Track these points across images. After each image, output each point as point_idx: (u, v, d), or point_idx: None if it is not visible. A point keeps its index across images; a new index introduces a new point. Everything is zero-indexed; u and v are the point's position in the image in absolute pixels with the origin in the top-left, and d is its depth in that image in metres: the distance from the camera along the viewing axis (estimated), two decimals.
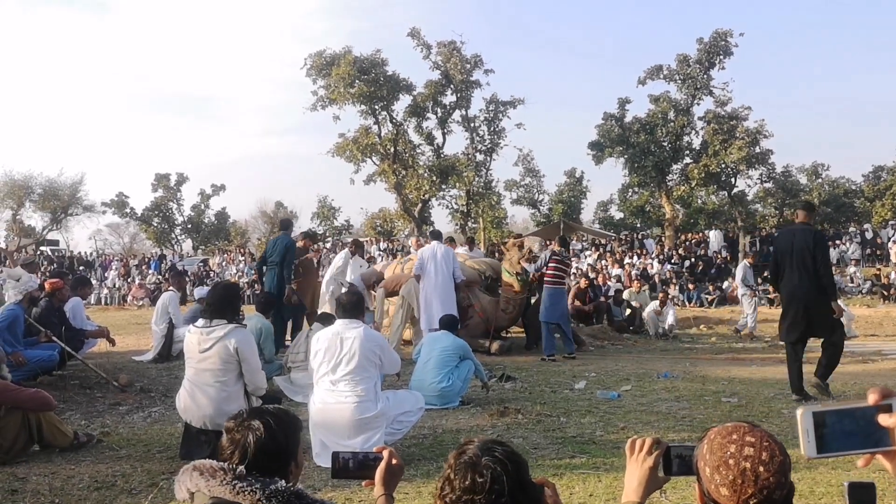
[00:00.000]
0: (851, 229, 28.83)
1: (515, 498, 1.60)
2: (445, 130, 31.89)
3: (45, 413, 5.00)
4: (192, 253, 41.48)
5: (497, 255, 12.46)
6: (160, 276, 28.81)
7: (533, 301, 11.43)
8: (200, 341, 4.76)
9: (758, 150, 29.07)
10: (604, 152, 31.15)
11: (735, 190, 31.76)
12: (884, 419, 1.16)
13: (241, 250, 35.50)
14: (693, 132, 30.67)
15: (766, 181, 33.09)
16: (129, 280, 30.71)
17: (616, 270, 23.26)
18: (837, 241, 26.44)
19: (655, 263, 25.10)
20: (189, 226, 44.78)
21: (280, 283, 9.53)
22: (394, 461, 2.03)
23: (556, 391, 7.44)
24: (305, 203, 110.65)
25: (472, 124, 31.75)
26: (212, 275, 29.65)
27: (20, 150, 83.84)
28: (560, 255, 10.30)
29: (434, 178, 30.72)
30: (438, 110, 31.33)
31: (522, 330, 11.79)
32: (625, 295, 16.02)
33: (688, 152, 30.84)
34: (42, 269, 28.19)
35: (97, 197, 43.80)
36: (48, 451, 5.03)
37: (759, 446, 1.48)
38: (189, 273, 28.36)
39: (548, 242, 11.12)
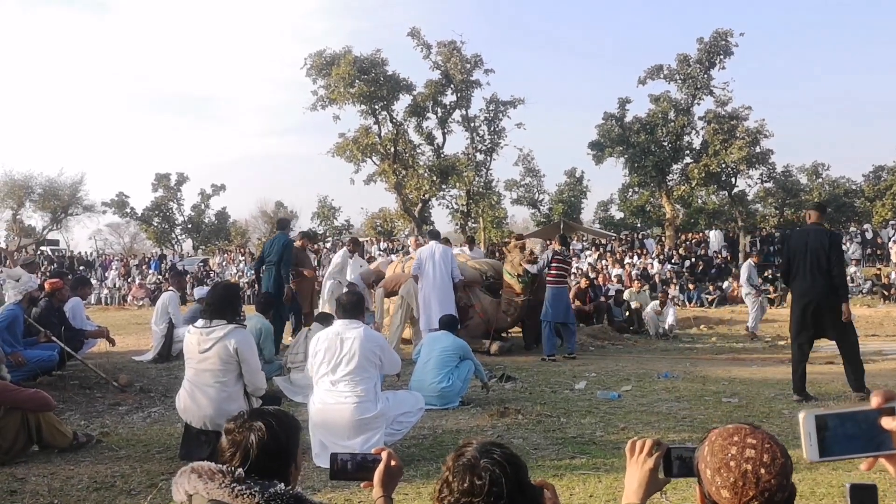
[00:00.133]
0: (852, 229, 28.81)
1: (514, 500, 1.59)
2: (445, 130, 31.89)
3: (44, 413, 4.99)
4: (192, 253, 41.48)
5: (497, 255, 12.42)
6: (160, 276, 28.81)
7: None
8: (200, 341, 4.75)
9: (758, 149, 29.06)
10: (604, 152, 31.14)
11: (735, 190, 31.75)
12: (887, 422, 1.15)
13: (242, 250, 35.48)
14: (693, 132, 30.66)
15: (766, 181, 33.08)
16: (129, 280, 30.70)
17: (617, 270, 23.25)
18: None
19: (656, 263, 25.09)
20: (189, 226, 44.77)
21: (278, 282, 9.53)
22: (392, 463, 2.02)
23: (557, 391, 7.43)
24: (306, 203, 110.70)
25: (472, 124, 31.75)
26: (212, 275, 29.64)
27: (20, 149, 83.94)
28: (561, 254, 10.34)
29: (434, 177, 30.71)
30: (438, 110, 31.32)
31: (520, 330, 11.77)
32: (625, 295, 16.01)
33: (688, 152, 30.83)
34: (42, 269, 28.18)
35: (97, 197, 43.95)
36: (47, 452, 5.02)
37: (761, 448, 1.47)
38: (189, 273, 28.38)
39: (548, 243, 11.08)
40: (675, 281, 22.39)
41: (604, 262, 25.48)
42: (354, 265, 11.84)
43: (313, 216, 44.46)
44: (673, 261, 25.61)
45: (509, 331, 11.64)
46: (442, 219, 44.91)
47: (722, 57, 29.21)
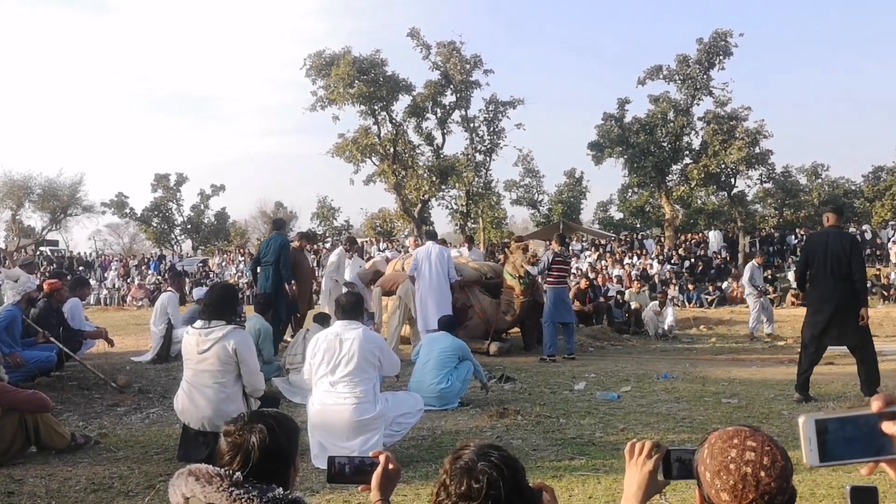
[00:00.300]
0: (851, 230, 28.78)
1: (512, 503, 1.58)
2: (445, 131, 31.85)
3: (42, 414, 4.98)
4: (191, 253, 41.45)
5: (496, 255, 12.39)
6: (159, 277, 28.79)
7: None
8: (199, 342, 4.74)
9: (757, 150, 29.03)
10: (603, 152, 31.11)
11: (735, 190, 31.72)
12: (888, 427, 1.14)
13: (241, 250, 35.46)
14: (693, 132, 30.64)
15: (765, 181, 33.05)
16: (128, 280, 30.68)
17: (617, 271, 23.25)
18: None
19: (655, 264, 25.08)
20: (189, 226, 44.74)
21: (276, 282, 9.50)
22: (390, 466, 2.01)
23: (556, 392, 7.42)
24: (305, 203, 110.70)
25: (471, 124, 31.72)
26: (211, 275, 29.62)
27: (19, 150, 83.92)
28: (561, 254, 10.38)
29: (434, 178, 30.68)
30: (438, 110, 31.28)
31: (519, 331, 11.75)
32: (625, 296, 16.00)
33: (687, 152, 30.81)
34: (41, 269, 28.16)
35: (96, 197, 43.89)
36: (45, 453, 5.01)
37: (761, 451, 1.46)
38: (188, 274, 28.36)
39: (549, 243, 11.09)
40: (674, 281, 22.38)
41: (603, 262, 25.48)
42: (354, 265, 11.84)
43: (313, 216, 44.47)
44: (672, 261, 25.60)
45: (509, 331, 11.63)
46: (441, 219, 44.97)
47: (721, 57, 29.19)
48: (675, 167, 31.11)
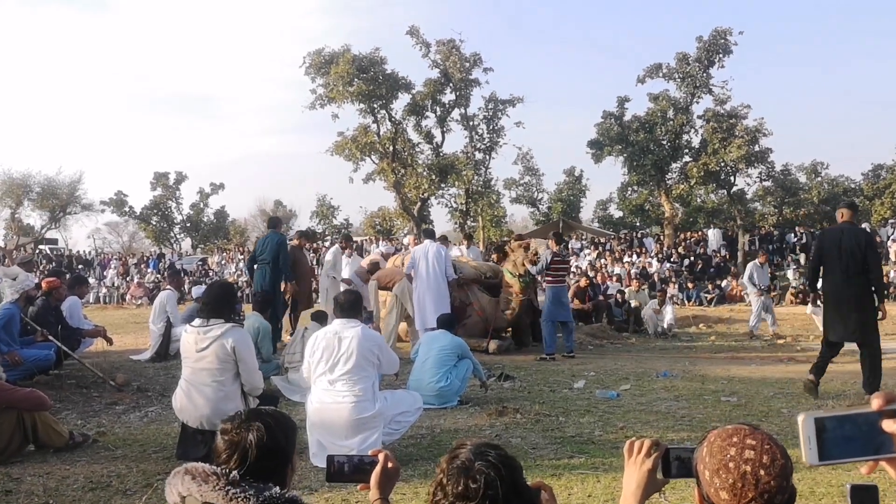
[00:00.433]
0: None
1: (510, 503, 1.57)
2: (444, 129, 31.83)
3: (39, 413, 4.97)
4: (190, 252, 41.40)
5: (489, 254, 12.36)
6: (159, 275, 28.77)
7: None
8: (197, 340, 4.73)
9: (757, 148, 29.01)
10: (603, 151, 31.10)
11: (734, 188, 31.72)
12: (888, 425, 1.12)
13: (241, 249, 35.42)
14: (692, 131, 30.62)
15: (765, 179, 33.01)
16: (127, 279, 30.65)
17: (616, 269, 23.24)
18: None
19: (654, 262, 25.08)
20: (188, 224, 44.68)
21: (273, 281, 9.48)
22: (389, 464, 1.99)
23: (555, 390, 7.41)
24: (305, 202, 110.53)
25: (471, 123, 31.70)
26: (211, 274, 29.59)
27: (18, 148, 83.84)
28: (560, 253, 10.39)
29: (433, 176, 30.67)
30: (437, 109, 31.25)
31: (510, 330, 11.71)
32: (624, 294, 15.99)
33: (687, 151, 30.80)
34: (40, 267, 28.13)
35: (96, 195, 43.70)
36: (43, 452, 5.00)
37: (760, 449, 1.45)
38: (188, 272, 28.34)
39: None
40: (673, 280, 22.37)
41: (603, 260, 25.48)
42: (353, 263, 11.84)
43: (312, 215, 44.43)
44: (672, 259, 25.59)
45: (506, 330, 11.61)
46: (441, 218, 44.98)
47: (721, 55, 29.16)
48: (674, 165, 31.10)
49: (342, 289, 10.42)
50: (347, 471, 2.02)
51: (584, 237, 32.63)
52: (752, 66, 65.33)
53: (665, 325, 14.21)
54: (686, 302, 20.77)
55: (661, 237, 30.81)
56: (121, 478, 4.49)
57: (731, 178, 31.02)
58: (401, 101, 30.87)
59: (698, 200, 38.36)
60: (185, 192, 45.12)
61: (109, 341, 8.71)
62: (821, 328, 13.65)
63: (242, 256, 31.92)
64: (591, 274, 19.56)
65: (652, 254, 26.78)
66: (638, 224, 39.68)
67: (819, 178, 38.14)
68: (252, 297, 9.85)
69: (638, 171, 30.77)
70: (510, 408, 6.23)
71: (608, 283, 19.26)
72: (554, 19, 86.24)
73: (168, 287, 10.45)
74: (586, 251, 28.70)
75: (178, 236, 44.87)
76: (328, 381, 4.71)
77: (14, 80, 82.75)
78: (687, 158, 30.68)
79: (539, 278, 10.84)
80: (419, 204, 31.20)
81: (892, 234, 26.29)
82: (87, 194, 41.89)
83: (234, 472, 1.89)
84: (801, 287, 20.63)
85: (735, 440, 1.48)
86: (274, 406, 4.67)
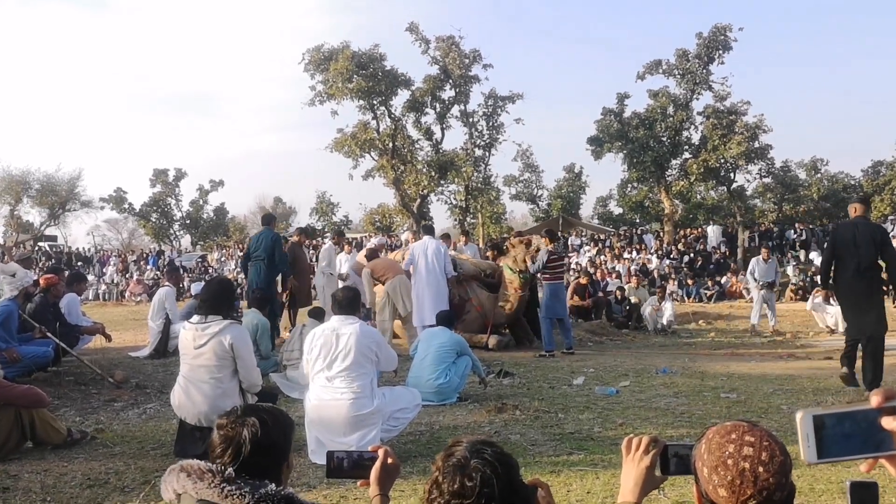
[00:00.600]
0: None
1: (506, 501, 1.55)
2: (444, 125, 31.76)
3: (38, 410, 4.96)
4: (190, 248, 41.39)
5: (490, 251, 12.33)
6: (158, 272, 28.75)
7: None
8: (195, 337, 4.72)
9: (757, 144, 28.97)
10: (603, 147, 31.05)
11: (734, 185, 31.69)
12: (887, 422, 1.11)
13: (240, 246, 35.38)
14: (692, 127, 30.56)
15: (765, 176, 32.97)
16: (127, 276, 30.62)
17: (616, 266, 23.22)
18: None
19: (654, 259, 25.06)
20: (188, 221, 44.68)
21: (267, 277, 9.45)
22: (389, 460, 1.98)
23: (555, 387, 7.40)
24: (304, 199, 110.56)
25: (470, 119, 31.63)
26: (210, 271, 29.58)
27: (18, 145, 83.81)
28: (555, 251, 10.39)
29: (433, 173, 30.62)
30: (437, 105, 31.18)
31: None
32: (624, 291, 15.97)
33: (687, 147, 30.75)
34: (40, 264, 28.11)
35: (95, 192, 43.46)
36: (41, 449, 4.99)
37: (759, 446, 1.44)
38: (187, 269, 28.32)
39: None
40: (673, 276, 22.36)
41: (602, 257, 25.46)
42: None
43: (312, 212, 44.44)
44: (671, 256, 25.57)
45: (505, 327, 11.59)
46: (441, 214, 44.92)
47: (721, 52, 29.08)
48: (674, 162, 31.05)
49: (339, 284, 10.41)
50: (347, 467, 2.01)
51: (583, 234, 32.62)
52: (752, 63, 65.39)
53: (665, 322, 14.20)
54: (686, 298, 20.77)
55: (661, 234, 30.79)
56: (119, 475, 4.48)
57: (731, 174, 30.99)
58: (400, 98, 30.83)
59: (698, 197, 38.34)
60: (185, 189, 45.08)
61: (108, 338, 8.70)
62: (820, 324, 13.75)
63: (242, 253, 31.86)
64: (590, 270, 19.54)
65: (652, 250, 26.76)
66: (638, 221, 39.68)
67: (819, 175, 38.11)
68: (247, 294, 9.84)
69: (638, 167, 30.73)
70: (509, 404, 6.22)
71: (608, 279, 19.24)
72: (554, 16, 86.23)
73: (167, 283, 10.44)
74: (586, 248, 28.68)
75: (177, 233, 44.87)
76: (326, 377, 4.70)
77: (13, 77, 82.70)
78: (687, 155, 30.63)
79: (538, 276, 10.84)
80: (419, 201, 31.16)
81: (892, 230, 26.27)
82: (87, 191, 41.88)
83: (230, 470, 1.88)
84: (801, 283, 20.66)
85: (734, 437, 1.46)
86: (273, 403, 4.67)
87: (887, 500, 3.58)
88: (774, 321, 13.88)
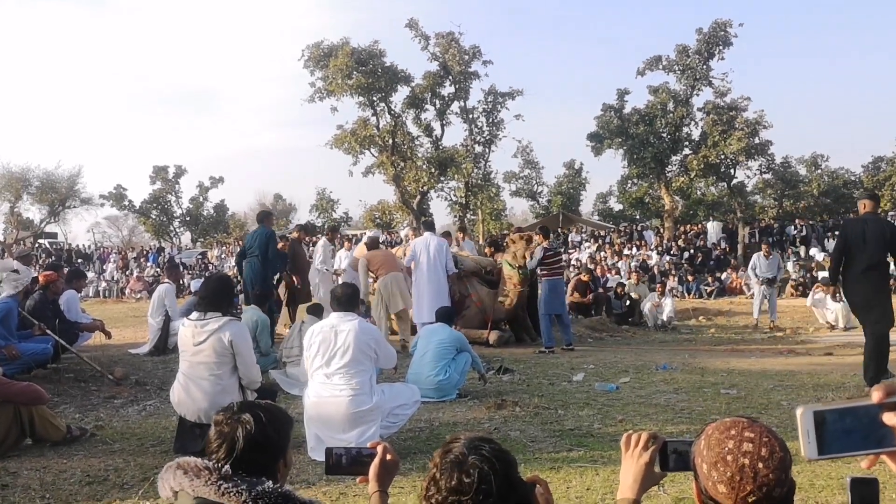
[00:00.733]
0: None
1: (504, 498, 1.54)
2: (444, 122, 31.73)
3: (37, 407, 4.96)
4: (190, 245, 41.42)
5: (488, 247, 12.32)
6: (158, 269, 28.74)
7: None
8: (195, 334, 4.71)
9: (757, 140, 28.92)
10: (603, 144, 31.02)
11: (734, 181, 31.64)
12: (888, 418, 1.10)
13: (240, 243, 35.34)
14: (692, 123, 30.52)
15: (765, 172, 32.95)
16: (127, 273, 30.63)
17: (618, 263, 23.21)
18: (837, 233, 26.36)
19: (654, 255, 25.06)
20: (188, 218, 44.67)
21: (262, 274, 9.43)
22: (388, 457, 1.98)
23: (554, 383, 7.40)
24: (304, 196, 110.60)
25: (470, 116, 31.59)
26: (210, 267, 29.58)
27: (18, 142, 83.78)
28: (551, 248, 10.40)
29: (433, 169, 30.59)
30: (437, 102, 31.14)
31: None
32: (624, 287, 15.97)
33: (687, 143, 30.71)
34: (40, 261, 28.11)
35: (95, 189, 43.39)
36: (40, 446, 4.99)
37: (759, 442, 1.43)
38: (187, 266, 28.31)
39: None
40: (673, 272, 22.36)
41: (602, 253, 25.46)
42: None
43: (312, 209, 44.42)
44: (672, 252, 25.57)
45: (504, 323, 11.59)
46: (441, 211, 44.99)
47: (721, 48, 29.03)
48: (674, 158, 31.03)
49: (336, 280, 10.39)
50: (346, 463, 2.00)
51: (583, 230, 32.63)
52: (753, 59, 65.33)
53: (665, 318, 14.20)
54: (686, 294, 20.76)
55: (661, 230, 30.78)
56: (118, 472, 4.47)
57: (731, 170, 30.95)
58: (400, 94, 30.79)
59: (698, 193, 38.34)
60: (185, 186, 45.10)
61: (108, 335, 8.69)
62: (820, 320, 13.76)
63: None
64: (590, 267, 19.53)
65: (652, 246, 26.76)
66: (638, 217, 39.68)
67: (819, 171, 38.10)
68: (243, 291, 9.83)
69: (638, 163, 30.70)
70: (509, 401, 6.22)
71: (608, 275, 19.23)
72: (553, 12, 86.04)
73: (167, 280, 10.43)
74: (586, 244, 28.68)
75: (177, 230, 44.88)
76: (325, 374, 4.69)
77: (13, 75, 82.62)
78: (687, 151, 30.60)
79: (537, 272, 10.83)
80: (419, 197, 31.14)
81: None
82: (87, 188, 41.91)
83: (227, 467, 1.88)
84: (801, 279, 20.66)
85: (733, 433, 1.46)
86: (272, 400, 4.67)
87: (888, 497, 3.58)
88: (774, 317, 13.88)
